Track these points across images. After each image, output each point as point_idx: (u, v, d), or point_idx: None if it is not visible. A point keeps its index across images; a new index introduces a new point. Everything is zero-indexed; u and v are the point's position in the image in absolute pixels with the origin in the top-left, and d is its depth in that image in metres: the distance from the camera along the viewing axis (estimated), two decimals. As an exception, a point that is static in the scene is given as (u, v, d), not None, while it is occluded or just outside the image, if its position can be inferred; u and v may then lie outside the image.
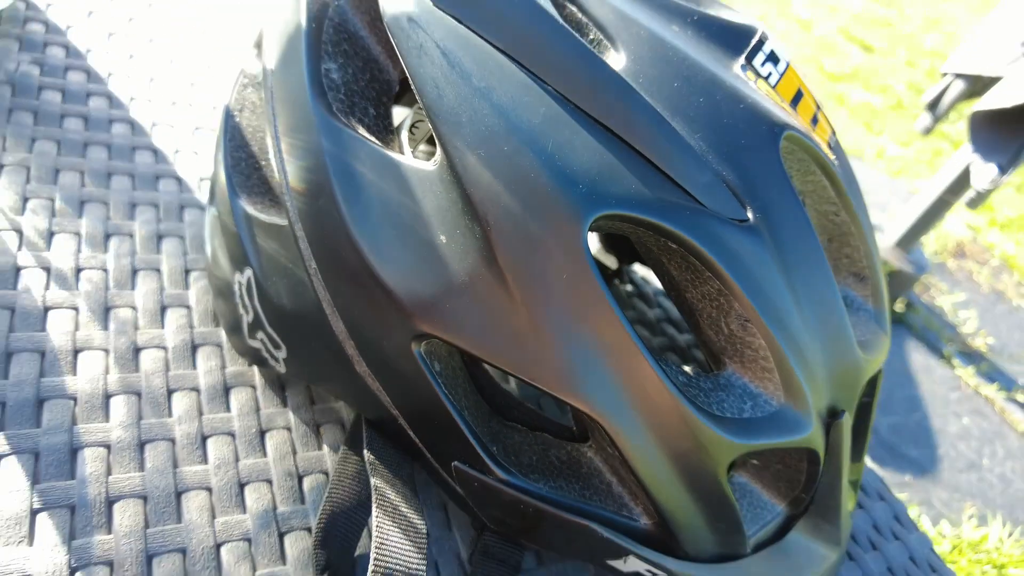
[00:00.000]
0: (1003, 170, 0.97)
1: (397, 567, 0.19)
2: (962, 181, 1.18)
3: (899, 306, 1.42)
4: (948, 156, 2.35)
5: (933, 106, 1.14)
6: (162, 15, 0.43)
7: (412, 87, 0.19)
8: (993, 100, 0.95)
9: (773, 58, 0.23)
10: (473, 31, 0.19)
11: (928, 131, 1.15)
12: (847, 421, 0.24)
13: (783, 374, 0.21)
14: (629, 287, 0.39)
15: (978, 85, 1.03)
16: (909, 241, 1.37)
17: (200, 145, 0.36)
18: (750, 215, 0.19)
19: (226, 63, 0.41)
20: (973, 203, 1.08)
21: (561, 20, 0.19)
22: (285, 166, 0.21)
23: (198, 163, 0.35)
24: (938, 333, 1.45)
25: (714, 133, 0.19)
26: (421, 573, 0.19)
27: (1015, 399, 1.38)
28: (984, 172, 0.98)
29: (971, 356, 1.44)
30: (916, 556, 0.34)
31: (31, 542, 0.20)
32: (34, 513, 0.21)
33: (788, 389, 0.21)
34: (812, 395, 0.22)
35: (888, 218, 1.68)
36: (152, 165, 0.34)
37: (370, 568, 0.19)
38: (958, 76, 1.08)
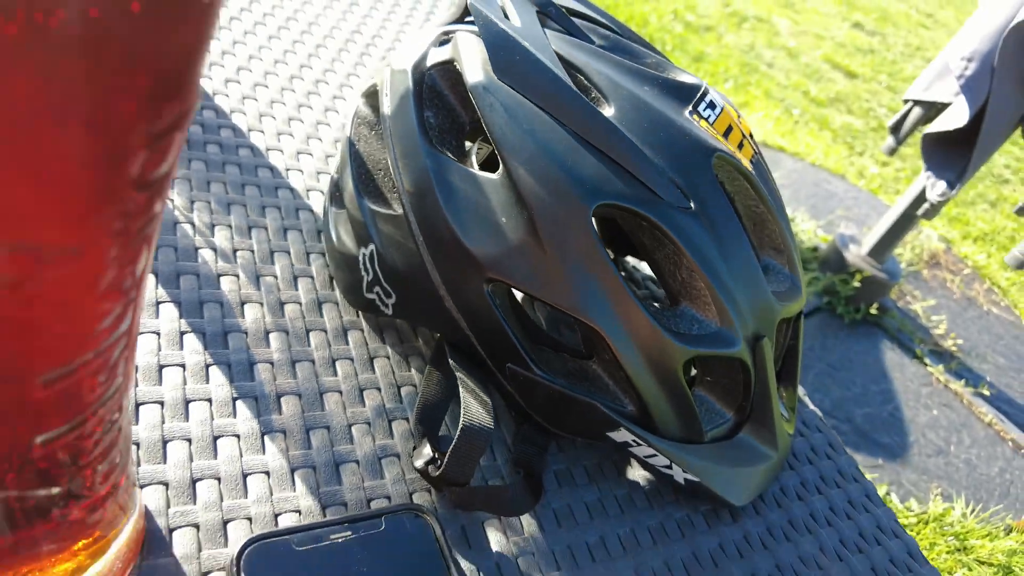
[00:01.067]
0: (951, 185, 1.09)
1: (476, 422, 0.30)
2: (923, 196, 1.30)
3: (873, 310, 1.53)
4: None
5: (896, 130, 1.26)
6: (263, 67, 0.55)
7: (484, 127, 0.31)
8: (941, 124, 1.07)
9: (711, 105, 0.34)
10: (521, 94, 0.30)
11: (892, 152, 1.27)
12: (767, 343, 0.35)
13: (718, 307, 0.32)
14: (623, 273, 0.51)
15: (932, 111, 1.16)
16: (881, 251, 1.48)
17: (304, 165, 0.47)
18: (692, 205, 0.31)
19: (317, 104, 0.53)
20: (928, 214, 1.20)
21: (574, 86, 0.31)
22: (401, 177, 0.32)
23: (303, 179, 0.46)
24: (911, 335, 1.56)
25: (669, 154, 0.31)
26: (490, 428, 0.30)
27: (982, 394, 1.48)
28: (936, 187, 1.10)
29: (941, 355, 1.55)
30: (883, 526, 0.44)
31: (234, 415, 0.32)
32: (233, 400, 0.32)
33: (722, 317, 0.32)
34: (739, 323, 0.33)
35: (865, 231, 1.79)
36: (271, 179, 0.45)
37: (461, 422, 0.30)
38: (916, 103, 1.20)
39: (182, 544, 0.26)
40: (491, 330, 0.32)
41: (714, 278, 0.31)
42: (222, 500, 0.28)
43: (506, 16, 0.33)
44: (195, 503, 0.28)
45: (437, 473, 0.30)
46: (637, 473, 0.38)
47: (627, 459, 0.38)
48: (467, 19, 0.36)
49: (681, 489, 0.37)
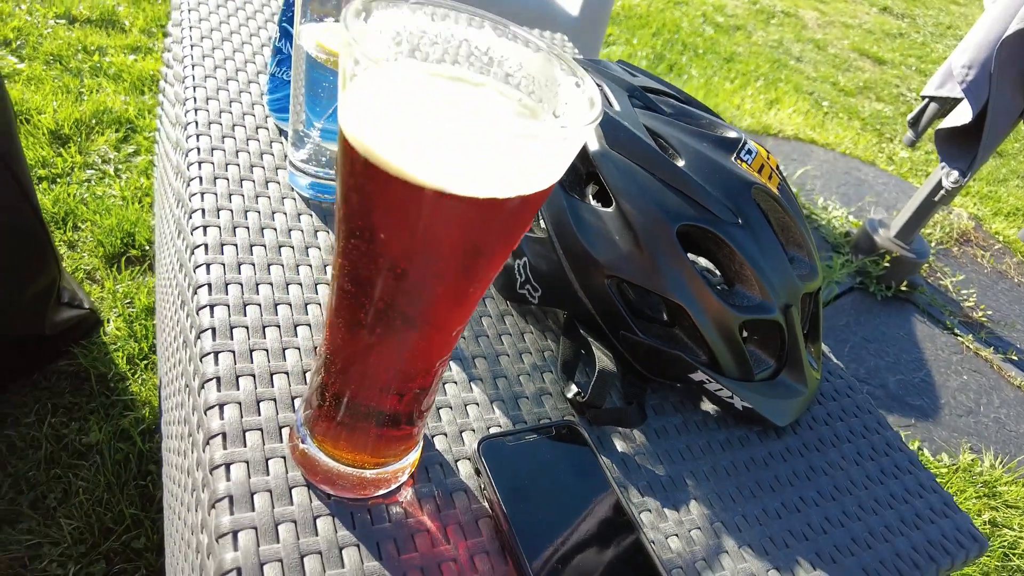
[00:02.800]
0: (963, 174, 1.21)
1: (607, 367, 0.46)
2: (940, 184, 1.41)
3: (903, 287, 1.64)
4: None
5: (915, 124, 1.37)
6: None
7: (600, 177, 0.47)
8: (951, 120, 1.19)
9: (749, 151, 0.49)
10: (626, 157, 0.46)
11: (913, 145, 1.39)
12: (795, 310, 0.50)
13: (760, 287, 0.48)
14: (696, 267, 0.66)
15: (947, 106, 1.27)
16: (907, 233, 1.59)
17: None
18: (739, 220, 0.46)
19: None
20: (944, 200, 1.31)
21: (657, 148, 0.47)
22: (544, 213, 0.48)
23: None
24: (941, 308, 1.66)
25: (722, 188, 0.46)
26: (615, 371, 0.46)
27: (1011, 359, 1.58)
28: (950, 176, 1.22)
29: (971, 326, 1.65)
30: (890, 443, 0.59)
31: (452, 371, 0.48)
32: (451, 362, 0.49)
33: (763, 293, 0.48)
34: (775, 297, 0.48)
35: (894, 215, 1.89)
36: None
37: (597, 367, 0.46)
38: (932, 99, 1.32)
39: (440, 443, 0.43)
40: (610, 310, 0.48)
41: (756, 268, 0.47)
42: (456, 420, 0.45)
43: (608, 101, 0.49)
44: (441, 421, 0.45)
45: (583, 400, 0.47)
46: (707, 405, 0.54)
47: (700, 395, 0.54)
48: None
49: (739, 415, 0.52)
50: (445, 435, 0.44)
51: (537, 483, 0.41)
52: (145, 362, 0.97)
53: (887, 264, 1.60)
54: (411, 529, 0.38)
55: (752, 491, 0.49)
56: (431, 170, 0.23)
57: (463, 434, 0.44)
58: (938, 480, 1.19)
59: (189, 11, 0.71)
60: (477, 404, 0.46)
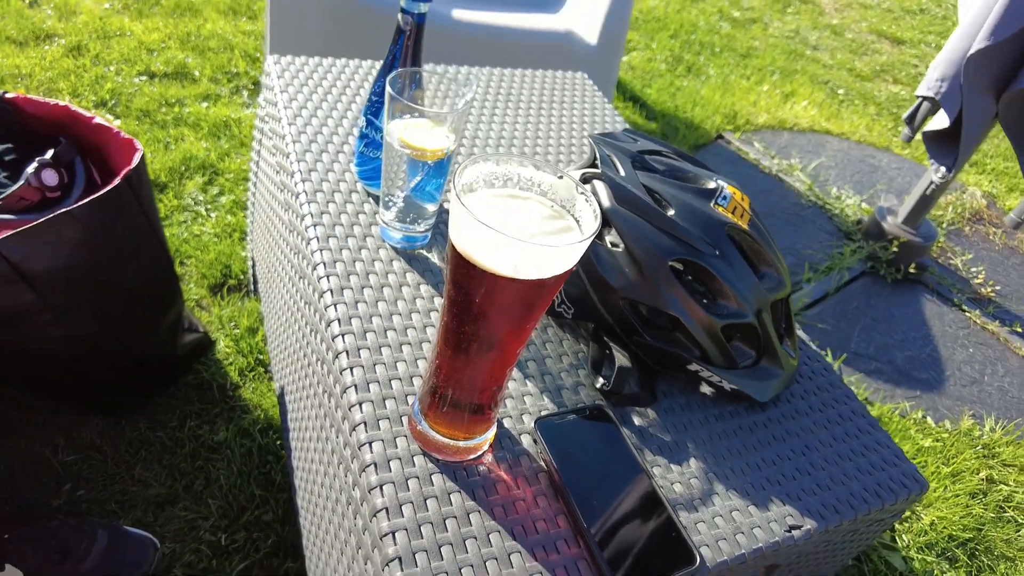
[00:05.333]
0: (950, 170, 1.33)
1: (625, 364, 0.63)
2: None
3: (911, 269, 1.76)
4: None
5: (911, 121, 1.50)
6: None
7: (612, 225, 0.64)
8: (933, 124, 1.32)
9: (725, 197, 0.66)
10: (630, 210, 0.63)
11: (909, 140, 1.51)
12: (766, 315, 0.66)
13: (735, 299, 0.64)
14: (687, 289, 0.82)
15: (937, 106, 1.39)
16: (913, 219, 1.71)
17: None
18: (717, 252, 0.63)
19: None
20: (935, 193, 1.43)
21: (653, 203, 0.64)
22: (574, 253, 0.66)
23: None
24: (950, 287, 1.78)
25: (703, 228, 0.63)
26: (631, 366, 0.63)
27: (1016, 331, 1.69)
28: (938, 172, 1.35)
29: (979, 301, 1.76)
30: (855, 410, 0.75)
31: (515, 371, 0.66)
32: (518, 364, 0.67)
33: (738, 304, 0.64)
34: (748, 306, 0.64)
35: (906, 199, 2.00)
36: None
37: (617, 364, 0.63)
38: (924, 98, 1.44)
39: (508, 424, 0.61)
40: (625, 322, 0.65)
41: (731, 286, 0.63)
42: (517, 407, 0.63)
43: (616, 168, 0.66)
44: (505, 405, 0.62)
45: (608, 389, 0.64)
46: (704, 388, 0.70)
47: (698, 381, 0.71)
48: (595, 162, 0.69)
49: (728, 394, 0.69)
50: (511, 417, 0.62)
51: (577, 448, 0.59)
52: (252, 373, 1.17)
53: (895, 249, 1.72)
54: (493, 480, 0.56)
55: (739, 451, 0.66)
56: (503, 266, 0.41)
57: (523, 416, 0.62)
58: (938, 444, 1.33)
59: (287, 98, 0.91)
60: (531, 395, 0.64)
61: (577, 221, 0.45)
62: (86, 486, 0.97)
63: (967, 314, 1.70)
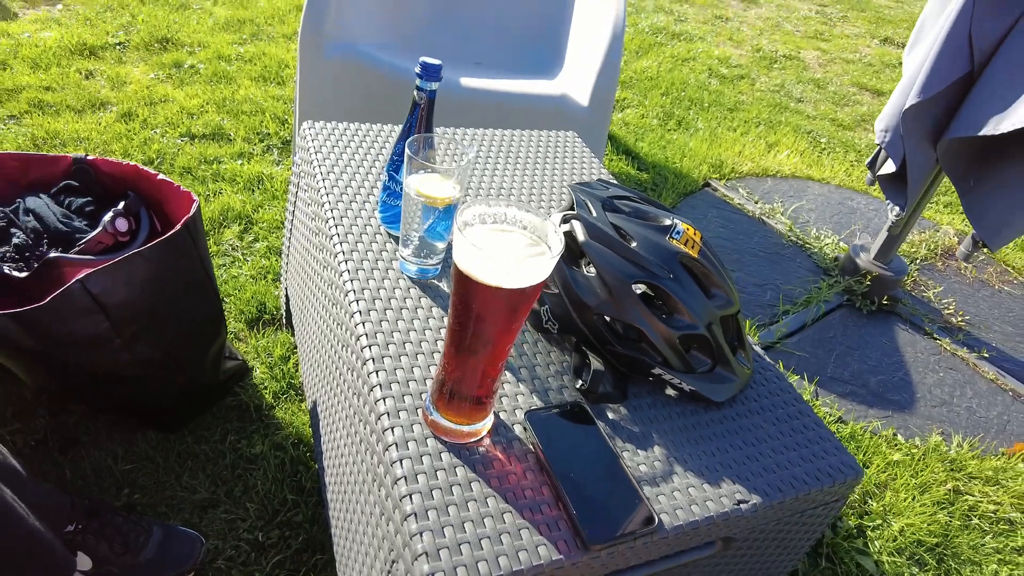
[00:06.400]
0: (903, 208, 1.47)
1: (600, 367, 0.76)
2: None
3: (884, 300, 1.88)
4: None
5: (872, 166, 1.64)
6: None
7: (586, 255, 0.78)
8: (883, 169, 1.46)
9: (679, 231, 0.80)
10: (601, 244, 0.77)
11: (872, 184, 1.65)
12: (716, 327, 0.79)
13: (688, 315, 0.77)
14: (647, 306, 0.96)
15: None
16: (884, 255, 1.84)
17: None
18: (672, 276, 0.77)
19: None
20: (893, 229, 1.57)
21: (619, 238, 0.78)
22: (556, 279, 0.80)
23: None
24: (922, 317, 1.89)
25: (659, 258, 0.77)
26: (604, 370, 0.76)
27: (984, 356, 1.80)
28: (893, 210, 1.48)
29: (950, 330, 1.87)
30: (802, 412, 0.87)
31: (507, 377, 0.79)
32: (510, 369, 0.80)
33: (691, 318, 0.78)
34: (699, 319, 0.78)
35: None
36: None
37: (592, 368, 0.76)
38: (881, 146, 1.59)
39: (503, 415, 0.74)
40: (599, 334, 0.79)
41: (684, 303, 0.77)
42: (511, 402, 0.76)
43: (589, 210, 0.81)
44: (501, 402, 0.75)
45: (585, 388, 0.77)
46: (669, 391, 0.83)
47: (663, 384, 0.83)
48: (573, 208, 0.84)
49: (688, 395, 0.81)
50: (506, 411, 0.75)
51: (560, 435, 0.72)
52: (284, 395, 1.31)
53: (869, 283, 1.85)
54: (491, 458, 0.69)
55: (696, 440, 0.78)
56: (494, 278, 0.55)
57: (516, 410, 0.75)
58: (907, 458, 1.43)
59: (321, 157, 1.07)
60: (523, 394, 0.77)
61: (549, 247, 0.59)
62: (141, 491, 1.09)
63: (938, 342, 1.81)
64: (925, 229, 2.34)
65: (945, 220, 2.44)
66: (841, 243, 2.13)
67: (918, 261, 2.15)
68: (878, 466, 1.41)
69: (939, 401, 1.63)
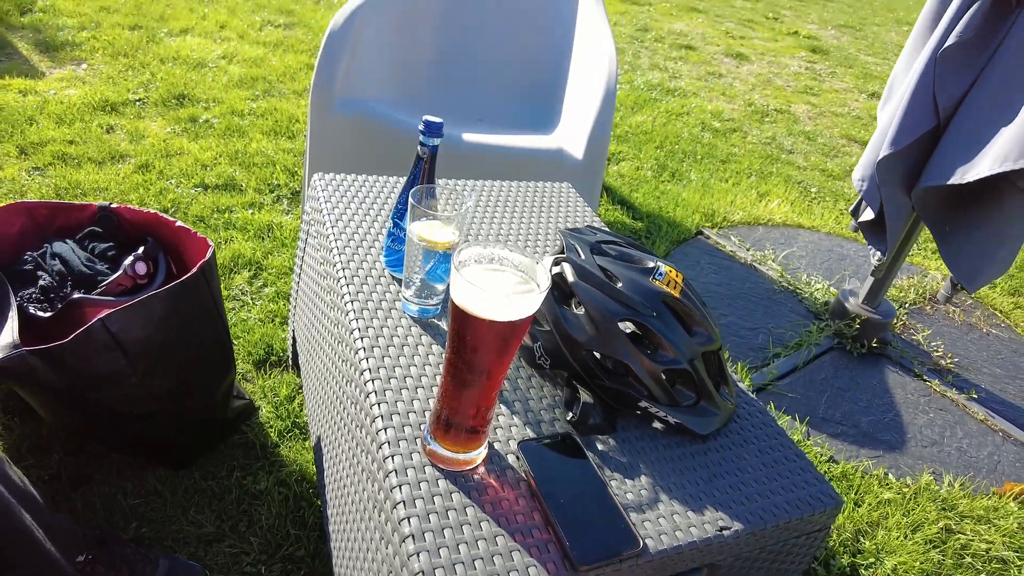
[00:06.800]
0: (884, 253, 1.53)
1: (588, 400, 0.81)
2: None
3: (874, 343, 1.92)
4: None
5: (855, 214, 1.71)
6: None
7: (575, 295, 0.83)
8: (863, 216, 1.53)
9: (661, 273, 0.85)
10: (589, 284, 0.83)
11: (856, 230, 1.72)
12: (699, 363, 0.84)
13: (671, 350, 0.82)
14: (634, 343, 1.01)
15: (871, 201, 1.60)
16: (872, 299, 1.89)
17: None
18: (655, 314, 0.82)
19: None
20: (875, 273, 1.62)
21: (606, 279, 0.83)
22: (547, 317, 0.85)
23: (496, 316, 1.00)
24: (912, 359, 1.93)
25: (643, 296, 0.82)
26: (592, 402, 0.81)
27: (973, 397, 1.83)
28: (874, 255, 1.54)
29: (939, 372, 1.91)
30: (782, 444, 0.91)
31: (501, 408, 0.84)
32: (505, 404, 0.84)
33: (674, 354, 0.82)
34: (682, 355, 0.82)
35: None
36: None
37: (581, 400, 0.81)
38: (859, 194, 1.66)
39: (498, 445, 0.78)
40: (589, 369, 0.83)
41: (667, 339, 0.82)
42: (505, 433, 0.80)
43: (578, 253, 0.87)
44: (496, 434, 0.79)
45: (575, 420, 0.81)
46: (655, 424, 0.87)
47: (650, 418, 0.87)
48: (564, 252, 0.90)
49: (674, 428, 0.85)
50: (500, 441, 0.79)
51: (551, 464, 0.76)
52: (289, 434, 1.34)
53: (858, 326, 1.89)
54: (485, 485, 0.73)
55: (681, 471, 0.82)
56: (487, 312, 0.60)
57: (510, 441, 0.79)
58: (898, 497, 1.45)
59: (331, 206, 1.13)
60: (516, 426, 0.81)
61: (537, 284, 0.64)
62: (149, 524, 1.12)
63: (928, 383, 1.85)
64: (913, 275, 2.40)
65: (933, 266, 2.49)
66: (831, 288, 2.18)
67: (907, 305, 2.20)
68: (870, 505, 1.42)
69: (929, 441, 1.65)
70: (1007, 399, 1.85)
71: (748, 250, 2.35)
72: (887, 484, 1.49)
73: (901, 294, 2.24)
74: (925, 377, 1.86)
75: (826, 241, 2.53)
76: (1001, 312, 2.28)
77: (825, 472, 1.49)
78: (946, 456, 1.61)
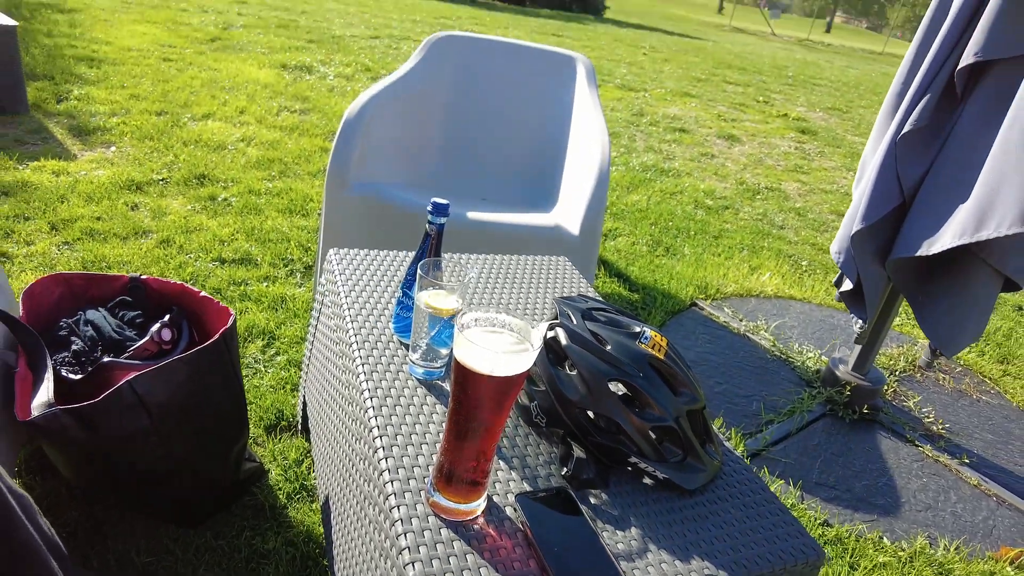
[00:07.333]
0: (865, 321, 1.60)
1: (582, 455, 0.86)
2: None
3: (865, 409, 1.96)
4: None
5: (838, 284, 1.79)
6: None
7: (569, 357, 0.90)
8: (843, 287, 1.61)
9: (647, 337, 0.93)
10: (581, 348, 0.90)
11: (840, 300, 1.79)
12: (684, 421, 0.90)
13: (658, 409, 0.88)
14: (623, 402, 1.07)
15: (852, 273, 1.69)
16: (861, 366, 1.95)
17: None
18: (641, 375, 0.88)
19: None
20: (859, 340, 1.69)
21: (596, 342, 0.91)
22: (543, 378, 0.92)
23: (496, 379, 1.06)
24: (903, 425, 1.97)
25: (630, 358, 0.89)
26: (585, 457, 0.86)
27: (965, 462, 1.85)
28: (856, 323, 1.61)
29: (931, 437, 1.94)
30: (767, 500, 0.96)
31: (498, 463, 0.89)
32: (504, 459, 0.90)
33: (661, 412, 0.88)
34: (668, 414, 0.89)
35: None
36: (485, 381, 1.06)
37: (575, 456, 0.86)
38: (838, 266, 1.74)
39: (497, 498, 0.83)
40: (583, 427, 0.89)
41: (653, 398, 0.88)
42: (503, 487, 0.85)
43: (570, 319, 0.94)
44: (495, 487, 0.85)
45: (570, 475, 0.86)
46: (646, 480, 0.92)
47: (640, 474, 0.92)
48: (558, 318, 0.97)
49: (663, 483, 0.90)
50: (499, 494, 0.84)
51: (546, 515, 0.81)
52: (297, 496, 1.38)
53: (849, 393, 1.94)
54: (484, 534, 0.77)
55: (670, 523, 0.86)
56: (486, 368, 0.67)
57: (508, 494, 0.84)
58: (893, 560, 1.46)
59: (344, 278, 1.22)
60: (514, 480, 0.87)
61: (531, 344, 0.72)
62: (161, 585, 1.15)
63: (920, 448, 1.87)
64: (903, 343, 2.46)
65: (921, 335, 2.55)
66: (822, 357, 2.24)
67: (897, 373, 2.25)
68: (865, 568, 1.43)
69: (924, 506, 1.67)
70: (1000, 464, 1.87)
71: (741, 321, 2.42)
72: (882, 548, 1.50)
73: (891, 362, 2.29)
74: (917, 442, 1.89)
75: (817, 312, 2.60)
76: (991, 379, 2.33)
77: (819, 536, 1.51)
78: (941, 520, 1.63)
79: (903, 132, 1.39)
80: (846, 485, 1.68)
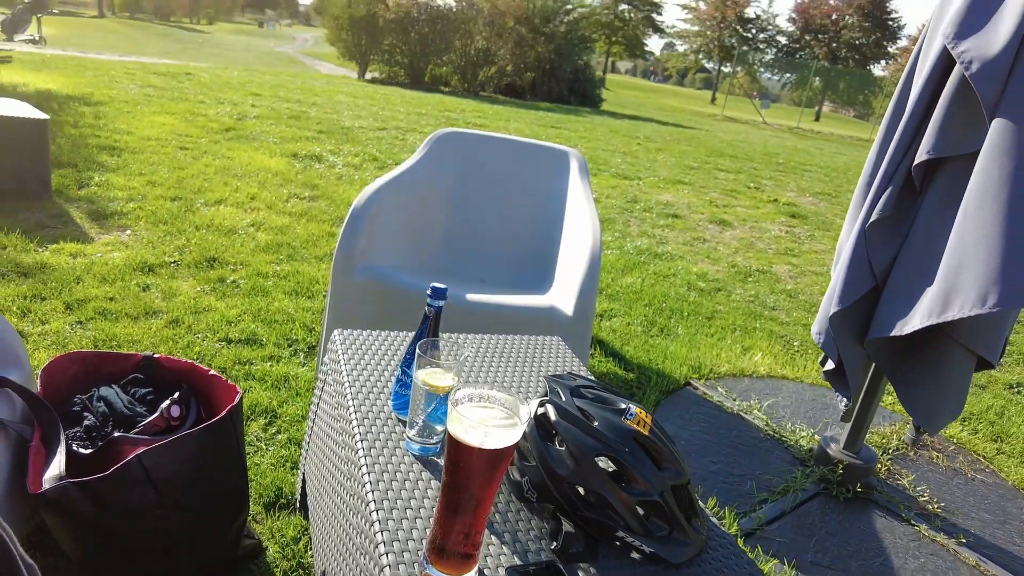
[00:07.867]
0: (848, 399, 1.64)
1: (571, 530, 0.89)
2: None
3: (858, 488, 1.96)
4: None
5: (823, 364, 1.84)
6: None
7: (558, 432, 0.95)
8: (826, 366, 1.66)
9: (632, 414, 0.98)
10: (569, 423, 0.95)
11: (826, 377, 1.84)
12: (669, 495, 0.93)
13: (642, 483, 0.92)
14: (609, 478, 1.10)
15: (836, 353, 1.74)
16: (852, 445, 1.96)
17: (488, 449, 1.12)
18: (627, 450, 0.93)
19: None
20: (845, 418, 1.72)
21: (584, 419, 0.95)
22: (534, 453, 0.96)
23: (490, 454, 1.10)
24: (898, 504, 1.96)
25: (616, 435, 0.93)
26: (574, 531, 0.89)
27: (963, 542, 1.84)
28: (841, 401, 1.65)
29: (927, 516, 1.93)
30: (753, 572, 0.98)
31: (489, 537, 0.92)
32: (497, 533, 0.93)
33: (647, 487, 0.92)
34: (653, 488, 0.92)
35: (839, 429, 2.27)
36: (479, 457, 1.09)
37: (563, 530, 0.89)
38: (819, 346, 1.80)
39: (487, 569, 0.86)
40: (572, 502, 0.93)
41: (638, 472, 0.92)
42: (495, 561, 0.87)
43: (560, 396, 0.99)
44: (486, 561, 0.87)
45: (559, 549, 0.89)
46: (633, 554, 0.94)
47: (628, 549, 0.95)
48: (547, 395, 1.02)
49: (649, 557, 0.93)
50: (490, 568, 0.87)
51: (535, 587, 0.83)
52: (294, 574, 1.38)
53: (841, 471, 1.95)
54: (476, 605, 0.80)
55: (657, 597, 0.88)
56: (476, 441, 0.72)
57: (499, 568, 0.87)
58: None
59: (347, 357, 1.28)
60: (505, 554, 0.89)
61: (519, 419, 0.77)
62: (154, 667, 1.14)
63: (916, 528, 1.87)
64: (895, 421, 2.47)
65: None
66: (815, 435, 2.26)
67: (890, 451, 2.26)
68: (863, 653, 1.41)
69: (922, 589, 1.65)
70: (998, 544, 1.86)
71: (734, 400, 2.46)
72: (880, 632, 1.48)
73: (884, 440, 2.30)
74: (913, 522, 1.88)
75: (809, 391, 2.63)
76: (985, 457, 2.33)
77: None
78: (939, 604, 1.61)
79: (871, 220, 1.48)
80: (842, 564, 1.67)
